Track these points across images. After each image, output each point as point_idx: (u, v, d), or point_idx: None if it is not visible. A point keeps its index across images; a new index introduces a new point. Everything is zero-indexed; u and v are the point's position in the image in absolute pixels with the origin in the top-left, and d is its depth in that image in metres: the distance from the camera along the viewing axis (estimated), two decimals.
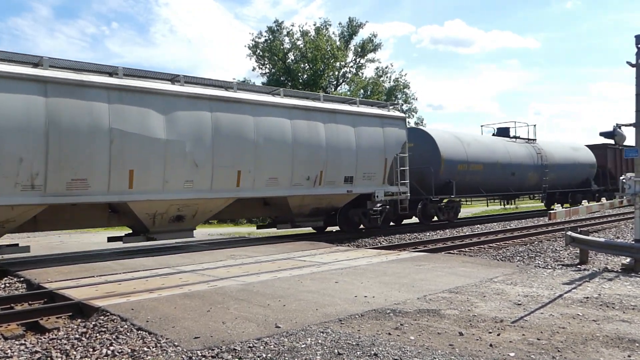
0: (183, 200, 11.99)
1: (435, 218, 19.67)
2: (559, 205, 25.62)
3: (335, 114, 15.06)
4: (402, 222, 19.72)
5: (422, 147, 19.08)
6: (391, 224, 18.54)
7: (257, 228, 17.36)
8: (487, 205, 32.67)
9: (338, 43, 39.41)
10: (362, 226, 16.76)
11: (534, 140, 25.76)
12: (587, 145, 30.09)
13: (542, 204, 32.02)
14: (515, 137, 25.55)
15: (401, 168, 16.71)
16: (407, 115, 19.05)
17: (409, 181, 16.84)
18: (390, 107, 17.57)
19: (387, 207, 16.59)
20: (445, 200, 19.78)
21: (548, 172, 24.78)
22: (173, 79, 12.34)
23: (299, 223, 15.36)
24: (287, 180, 13.88)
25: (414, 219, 19.54)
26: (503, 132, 25.68)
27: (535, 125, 26.62)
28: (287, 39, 39.49)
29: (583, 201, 21.49)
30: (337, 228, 16.95)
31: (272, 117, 13.54)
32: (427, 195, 18.68)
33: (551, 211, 13.91)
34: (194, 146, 11.88)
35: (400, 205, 17.06)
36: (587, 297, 6.23)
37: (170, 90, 11.84)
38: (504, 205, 30.91)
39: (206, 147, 12.10)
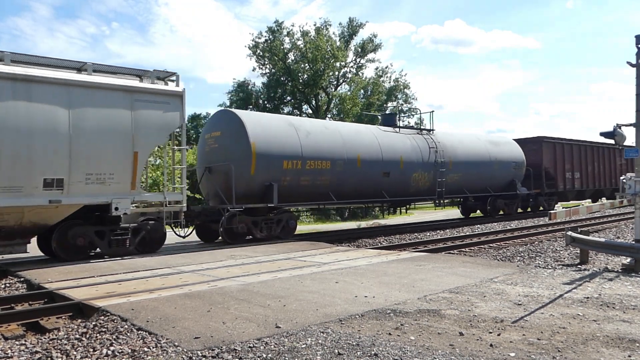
0: None
1: (250, 237, 14.13)
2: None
3: (29, 83, 9.84)
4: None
5: (229, 137, 14.25)
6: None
7: None
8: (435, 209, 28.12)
9: (338, 43, 39.46)
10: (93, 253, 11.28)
11: (429, 130, 19.95)
12: (517, 140, 24.68)
13: (435, 211, 26.58)
14: (403, 126, 20.52)
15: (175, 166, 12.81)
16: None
17: (185, 186, 12.56)
18: (156, 78, 11.97)
19: (151, 222, 11.69)
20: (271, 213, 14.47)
21: (446, 172, 19.11)
22: None
23: None
24: None
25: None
26: (388, 120, 19.96)
27: (432, 112, 20.77)
28: (287, 39, 39.59)
29: (585, 201, 21.46)
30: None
31: None
32: (228, 204, 13.54)
33: (551, 211, 13.90)
34: None
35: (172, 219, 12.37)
36: (588, 297, 6.23)
37: None
38: (383, 214, 25.94)
39: None
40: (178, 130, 12.24)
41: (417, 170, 18.30)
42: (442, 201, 21.63)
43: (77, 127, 10.32)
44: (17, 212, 9.92)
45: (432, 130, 20.15)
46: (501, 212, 23.06)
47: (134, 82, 11.57)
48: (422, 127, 20.41)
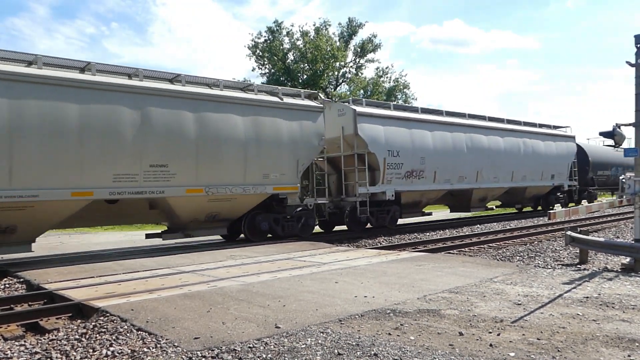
0: None
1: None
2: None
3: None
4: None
5: None
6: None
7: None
8: None
9: (338, 43, 39.43)
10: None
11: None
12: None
13: None
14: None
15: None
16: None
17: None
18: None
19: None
20: None
21: None
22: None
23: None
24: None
25: None
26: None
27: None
28: (286, 39, 39.54)
29: (583, 201, 21.64)
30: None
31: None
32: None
33: (551, 211, 13.90)
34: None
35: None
36: (587, 297, 6.23)
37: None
38: None
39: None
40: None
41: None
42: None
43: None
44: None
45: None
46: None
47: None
48: None
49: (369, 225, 17.22)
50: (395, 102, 17.67)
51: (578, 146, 27.14)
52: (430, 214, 20.58)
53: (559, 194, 25.09)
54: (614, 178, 30.33)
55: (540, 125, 24.63)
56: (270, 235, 14.25)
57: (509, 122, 22.86)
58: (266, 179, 13.45)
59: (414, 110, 19.19)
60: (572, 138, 26.07)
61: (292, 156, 13.98)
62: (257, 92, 13.81)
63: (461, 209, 21.58)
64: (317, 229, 16.90)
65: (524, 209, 26.72)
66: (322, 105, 15.13)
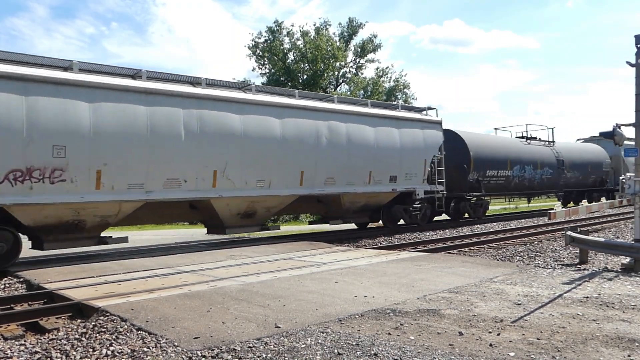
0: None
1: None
2: None
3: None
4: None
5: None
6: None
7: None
8: None
9: (338, 43, 39.43)
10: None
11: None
12: None
13: None
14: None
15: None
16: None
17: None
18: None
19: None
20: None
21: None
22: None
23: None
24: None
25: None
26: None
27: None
28: (287, 39, 39.55)
29: (583, 201, 21.40)
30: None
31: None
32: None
33: (551, 211, 13.91)
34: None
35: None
36: (587, 297, 6.23)
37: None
38: None
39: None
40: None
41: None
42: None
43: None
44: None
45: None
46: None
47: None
48: None
49: None
50: None
51: (451, 135, 19.95)
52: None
53: (416, 204, 17.44)
54: (519, 180, 22.92)
55: (374, 105, 17.35)
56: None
57: (306, 97, 15.59)
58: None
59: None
60: (437, 124, 18.26)
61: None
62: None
63: (214, 230, 14.02)
64: None
65: (368, 225, 19.08)
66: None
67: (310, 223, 19.77)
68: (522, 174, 23.14)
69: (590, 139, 31.57)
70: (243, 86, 14.27)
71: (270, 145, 13.31)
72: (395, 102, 19.71)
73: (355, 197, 15.84)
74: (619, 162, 29.79)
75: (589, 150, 29.54)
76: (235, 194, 12.78)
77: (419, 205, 17.57)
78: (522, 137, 25.51)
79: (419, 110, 18.93)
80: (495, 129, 28.28)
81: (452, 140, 19.97)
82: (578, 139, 33.31)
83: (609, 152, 29.81)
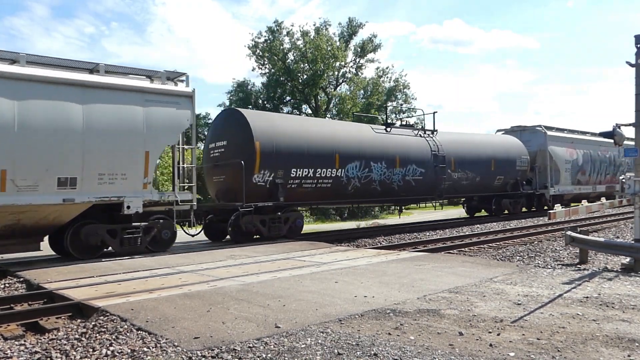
0: None
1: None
2: None
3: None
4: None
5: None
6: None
7: None
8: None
9: (338, 43, 39.41)
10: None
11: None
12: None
13: None
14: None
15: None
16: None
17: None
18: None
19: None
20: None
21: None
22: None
23: None
24: None
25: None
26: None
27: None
28: (287, 39, 39.53)
29: (583, 201, 21.14)
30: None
31: None
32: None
33: (551, 211, 13.91)
34: None
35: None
36: (587, 297, 6.23)
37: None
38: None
39: None
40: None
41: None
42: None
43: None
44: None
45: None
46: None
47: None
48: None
49: None
50: None
51: (234, 118, 14.47)
52: None
53: (139, 222, 11.31)
54: (360, 182, 16.20)
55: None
56: None
57: None
58: None
59: None
60: (181, 97, 11.83)
61: None
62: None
63: None
64: None
65: None
66: None
67: None
68: (367, 174, 16.39)
69: (512, 130, 25.75)
70: None
71: None
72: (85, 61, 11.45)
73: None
74: (545, 159, 24.13)
75: (495, 142, 22.69)
76: None
77: (142, 225, 11.38)
78: (383, 124, 19.25)
79: (149, 75, 11.98)
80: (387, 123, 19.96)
81: (234, 124, 14.27)
82: (498, 130, 27.14)
83: (532, 146, 24.01)
